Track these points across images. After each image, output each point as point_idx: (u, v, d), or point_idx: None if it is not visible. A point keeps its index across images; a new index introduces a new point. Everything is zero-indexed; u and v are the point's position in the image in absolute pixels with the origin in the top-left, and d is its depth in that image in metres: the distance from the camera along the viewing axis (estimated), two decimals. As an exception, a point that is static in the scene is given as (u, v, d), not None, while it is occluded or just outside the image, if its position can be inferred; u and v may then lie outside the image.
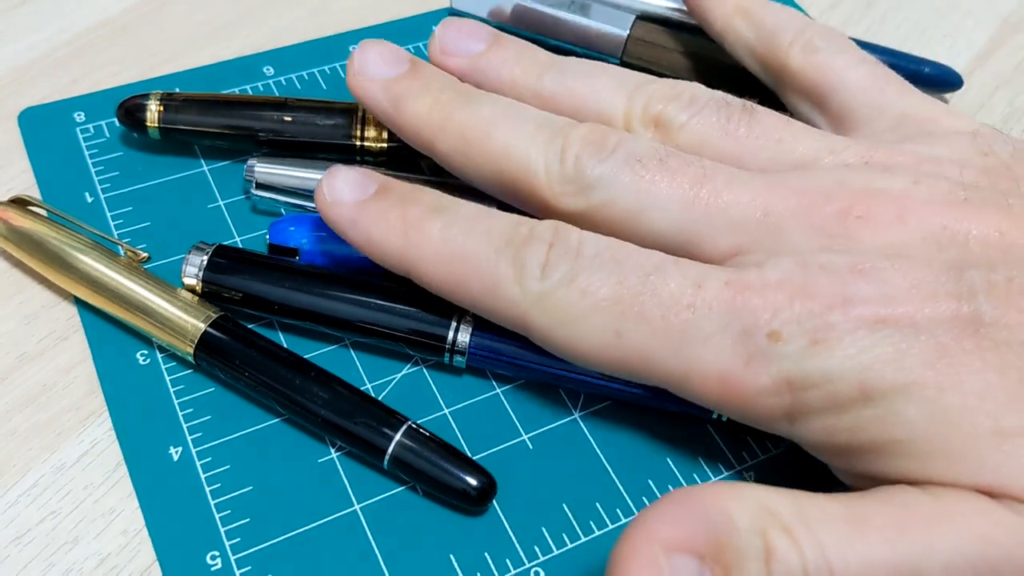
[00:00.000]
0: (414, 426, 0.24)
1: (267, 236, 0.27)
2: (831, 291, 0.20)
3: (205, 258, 0.26)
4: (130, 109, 0.29)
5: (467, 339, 0.25)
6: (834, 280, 0.20)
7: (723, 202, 0.22)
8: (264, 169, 0.28)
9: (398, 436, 0.23)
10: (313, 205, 0.28)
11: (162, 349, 0.26)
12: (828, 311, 0.20)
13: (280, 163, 0.29)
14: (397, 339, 0.25)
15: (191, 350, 0.25)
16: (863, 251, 0.21)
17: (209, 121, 0.29)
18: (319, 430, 0.24)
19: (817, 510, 0.18)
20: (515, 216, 0.23)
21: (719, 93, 0.26)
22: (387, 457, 0.23)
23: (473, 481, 0.23)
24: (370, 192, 0.24)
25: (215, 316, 0.25)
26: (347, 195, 0.24)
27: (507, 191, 0.25)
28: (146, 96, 0.29)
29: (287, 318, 0.26)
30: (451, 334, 0.25)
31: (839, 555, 0.17)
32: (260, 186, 0.28)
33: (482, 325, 0.25)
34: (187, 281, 0.26)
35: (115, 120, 0.30)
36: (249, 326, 0.26)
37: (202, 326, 0.25)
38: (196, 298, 0.26)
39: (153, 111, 0.29)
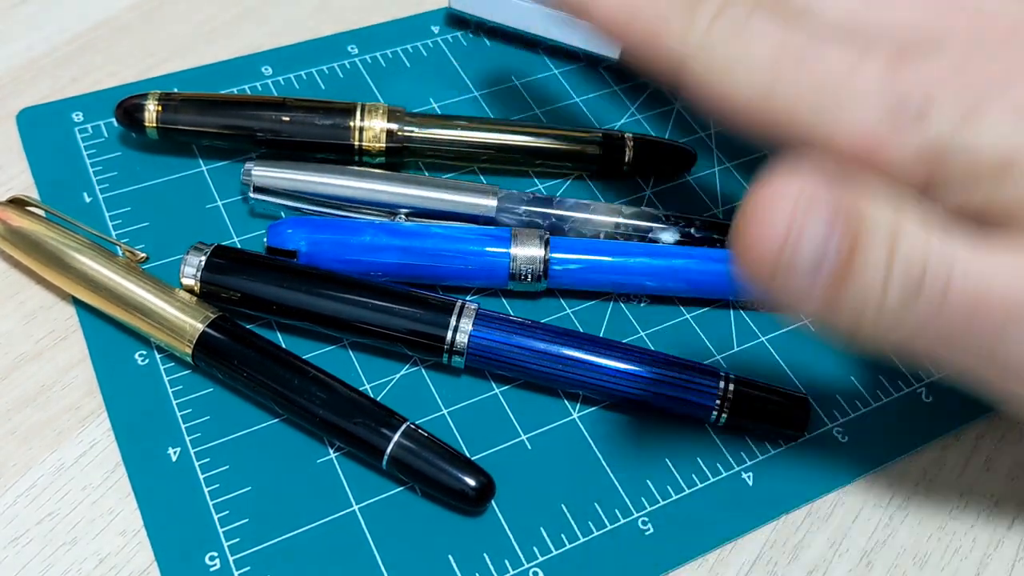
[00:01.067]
0: (413, 426, 0.24)
1: (265, 238, 0.27)
2: (988, 75, 0.20)
3: (203, 258, 0.26)
4: (128, 109, 0.29)
5: (465, 340, 0.25)
6: (992, 67, 0.20)
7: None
8: (261, 172, 0.28)
9: (396, 436, 0.23)
10: (310, 207, 0.28)
11: (160, 349, 0.26)
12: (984, 90, 0.20)
13: (277, 166, 0.29)
14: (395, 340, 0.25)
15: (189, 350, 0.25)
16: None
17: (207, 121, 0.29)
18: (318, 430, 0.24)
19: (952, 233, 0.19)
20: None
21: None
22: (386, 457, 0.23)
23: (471, 481, 0.23)
24: None
25: (213, 316, 0.25)
26: None
27: None
28: (144, 96, 0.29)
29: (285, 318, 0.26)
30: (449, 335, 0.25)
31: (963, 266, 0.18)
32: (257, 189, 0.28)
33: (480, 325, 0.25)
34: (185, 281, 0.26)
35: (114, 120, 0.30)
36: (247, 327, 0.26)
37: (200, 326, 0.25)
38: (194, 299, 0.26)
39: (151, 111, 0.29)
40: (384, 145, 0.30)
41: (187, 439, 0.24)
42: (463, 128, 0.30)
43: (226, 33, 0.35)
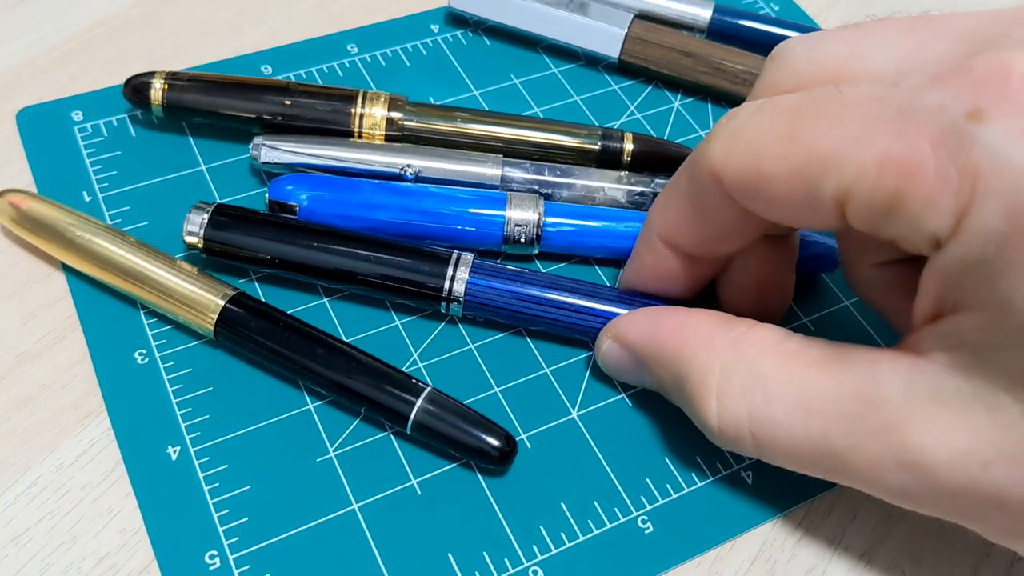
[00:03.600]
0: (435, 391, 0.24)
1: (267, 193, 0.28)
2: None
3: (206, 216, 0.26)
4: (136, 87, 0.30)
5: (462, 288, 0.26)
6: None
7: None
8: (269, 144, 0.29)
9: (420, 401, 0.24)
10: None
11: (160, 348, 0.26)
12: None
13: (284, 138, 0.29)
14: (394, 290, 0.26)
15: (211, 327, 0.25)
16: None
17: (211, 102, 0.30)
18: (343, 398, 0.25)
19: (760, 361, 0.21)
20: None
21: None
22: (410, 422, 0.24)
23: (495, 441, 0.24)
24: None
25: (233, 293, 0.26)
26: None
27: None
28: (152, 74, 0.30)
29: (287, 272, 0.27)
30: (447, 284, 0.26)
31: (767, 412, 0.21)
32: (267, 163, 0.29)
33: (477, 274, 0.26)
34: (189, 240, 0.26)
35: (113, 119, 0.30)
36: (257, 288, 0.26)
37: (221, 302, 0.25)
38: (208, 276, 0.26)
39: (158, 89, 0.29)
40: (384, 133, 0.30)
41: (187, 438, 0.24)
42: (463, 120, 0.30)
43: (226, 32, 0.35)
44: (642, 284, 0.26)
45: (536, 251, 0.28)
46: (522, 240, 0.28)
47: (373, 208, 0.27)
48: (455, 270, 0.26)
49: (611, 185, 0.29)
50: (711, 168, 0.21)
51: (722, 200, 0.22)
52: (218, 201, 0.27)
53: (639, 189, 0.29)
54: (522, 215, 0.28)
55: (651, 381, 0.25)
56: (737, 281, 0.26)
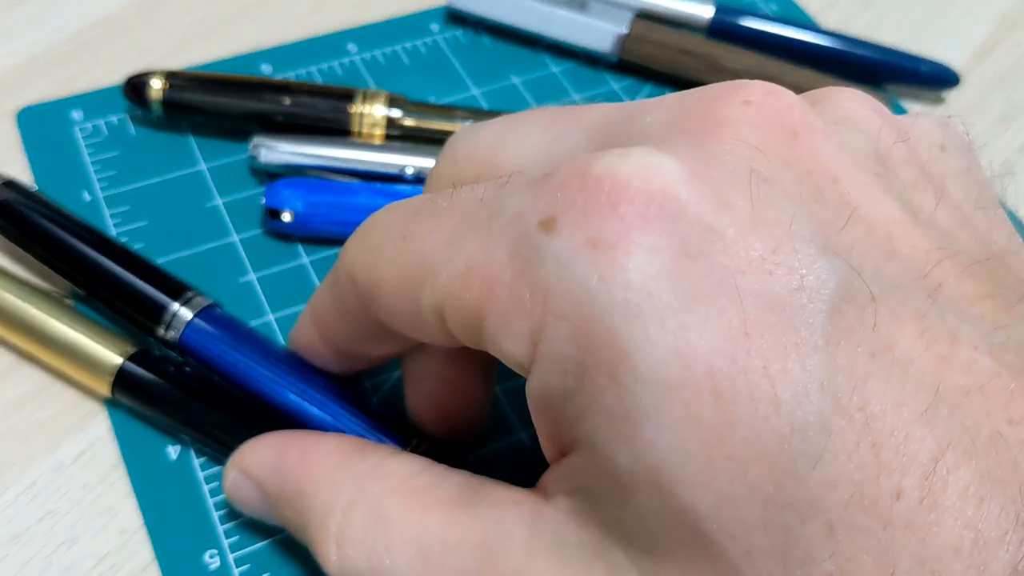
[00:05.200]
0: None
1: (263, 199, 0.28)
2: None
3: None
4: (136, 85, 0.30)
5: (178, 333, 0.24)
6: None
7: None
8: (268, 147, 0.29)
9: None
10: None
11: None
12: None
13: (282, 138, 0.29)
14: (115, 307, 0.25)
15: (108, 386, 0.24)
16: None
17: (210, 101, 0.30)
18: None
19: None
20: None
21: None
22: None
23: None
24: None
25: (133, 351, 0.24)
26: None
27: None
28: (151, 73, 0.30)
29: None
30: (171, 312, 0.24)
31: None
32: (266, 163, 0.29)
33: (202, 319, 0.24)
34: None
35: (113, 119, 0.30)
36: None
37: (119, 360, 0.24)
38: (111, 335, 0.25)
39: (157, 87, 0.29)
40: (383, 132, 0.30)
41: (188, 440, 0.25)
42: (463, 119, 0.30)
43: (225, 31, 0.35)
44: (304, 354, 0.24)
45: None
46: None
47: (369, 213, 0.27)
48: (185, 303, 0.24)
49: None
50: (346, 267, 0.20)
51: (358, 302, 0.20)
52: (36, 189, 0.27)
53: None
54: None
55: (280, 522, 0.21)
56: (416, 384, 0.23)
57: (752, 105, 0.17)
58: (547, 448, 0.17)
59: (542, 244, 0.15)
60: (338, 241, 0.29)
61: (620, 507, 0.15)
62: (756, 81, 0.17)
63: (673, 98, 0.18)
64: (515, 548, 0.17)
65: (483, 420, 0.24)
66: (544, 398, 0.16)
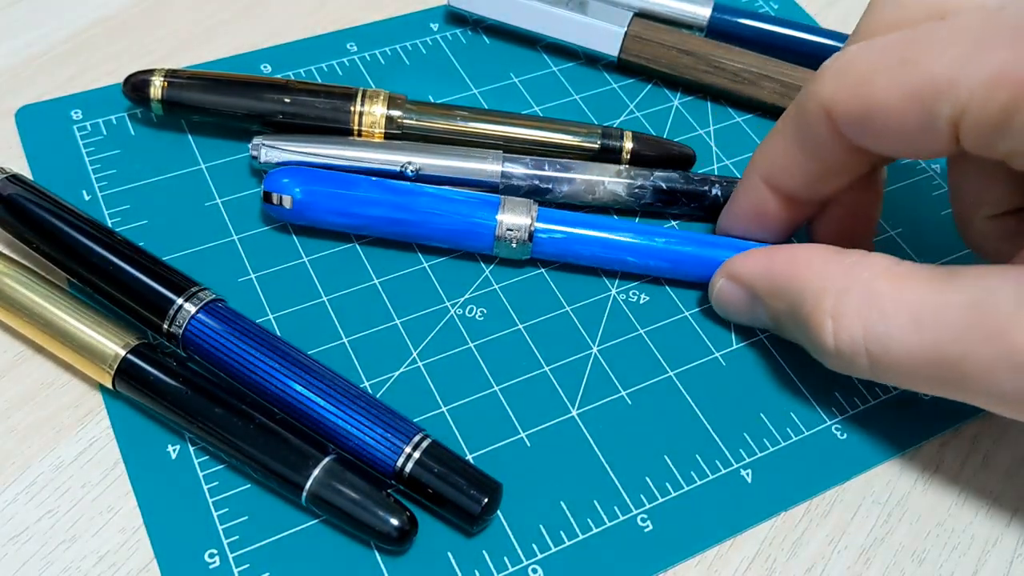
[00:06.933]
0: (333, 462, 0.23)
1: (261, 185, 0.28)
2: None
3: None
4: (136, 84, 0.30)
5: (182, 327, 0.24)
6: None
7: None
8: (269, 143, 0.29)
9: (317, 472, 0.22)
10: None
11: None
12: None
13: (283, 138, 0.29)
14: (117, 302, 0.25)
15: (110, 377, 0.24)
16: None
17: (210, 100, 0.30)
18: (235, 462, 0.24)
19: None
20: None
21: None
22: (304, 494, 0.23)
23: (395, 521, 0.22)
24: None
25: (135, 343, 0.24)
26: None
27: None
28: (151, 72, 0.30)
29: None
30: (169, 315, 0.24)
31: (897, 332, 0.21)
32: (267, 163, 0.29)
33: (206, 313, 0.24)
34: None
35: (112, 118, 0.30)
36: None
37: (122, 352, 0.24)
38: (112, 325, 0.25)
39: (157, 86, 0.29)
40: (383, 131, 0.30)
41: (186, 436, 0.24)
42: (463, 119, 0.30)
43: (225, 31, 0.35)
44: (740, 227, 0.28)
45: (528, 255, 0.28)
46: (513, 244, 0.28)
47: (367, 204, 0.27)
48: (184, 303, 0.24)
49: (611, 179, 0.29)
50: (820, 103, 0.23)
51: (831, 136, 0.23)
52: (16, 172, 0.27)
53: (639, 183, 0.29)
54: (514, 219, 0.27)
55: (765, 316, 0.26)
56: (831, 218, 0.27)
57: None
58: None
59: None
60: (333, 233, 0.29)
61: None
62: None
63: None
64: (1003, 303, 0.20)
65: (875, 232, 0.29)
66: None
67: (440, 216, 0.27)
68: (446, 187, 0.29)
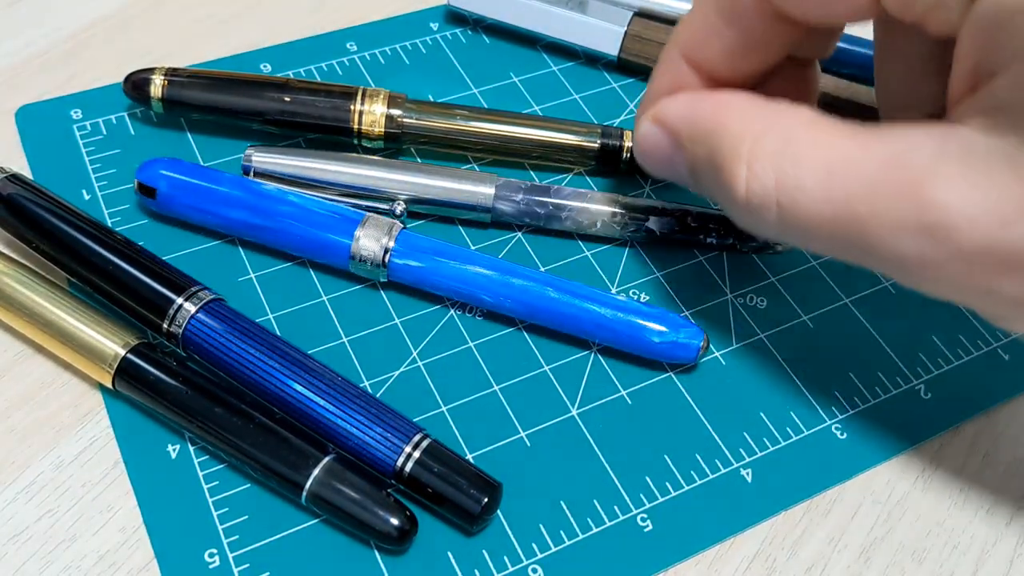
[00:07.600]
0: (334, 462, 0.23)
1: (135, 174, 0.28)
2: None
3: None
4: (136, 82, 0.30)
5: (182, 326, 0.24)
6: None
7: None
8: (261, 157, 0.29)
9: (316, 471, 0.22)
10: (313, 195, 0.28)
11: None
12: None
13: (277, 151, 0.29)
14: (119, 303, 0.25)
15: (110, 375, 0.24)
16: None
17: (211, 98, 0.30)
18: (235, 461, 0.24)
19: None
20: None
21: None
22: (305, 493, 0.23)
23: (395, 520, 0.22)
24: None
25: (135, 343, 0.24)
26: None
27: None
28: (152, 70, 0.30)
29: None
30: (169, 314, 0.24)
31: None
32: (258, 174, 0.29)
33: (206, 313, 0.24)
34: None
35: (112, 118, 0.30)
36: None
37: (121, 351, 0.24)
38: (112, 325, 0.25)
39: (158, 84, 0.29)
40: (383, 130, 0.30)
41: (186, 435, 0.24)
42: (463, 118, 0.30)
43: (224, 30, 0.35)
44: (665, 98, 0.26)
45: (383, 278, 0.27)
46: (368, 265, 0.27)
47: (227, 204, 0.27)
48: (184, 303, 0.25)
49: (606, 217, 0.29)
50: None
51: (753, 1, 0.23)
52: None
53: (632, 228, 0.29)
54: (370, 242, 0.26)
55: (684, 167, 0.24)
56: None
57: None
58: (958, 89, 0.20)
59: None
60: (202, 228, 0.28)
61: None
62: None
63: None
64: (921, 156, 0.19)
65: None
66: (992, 19, 0.18)
67: (298, 226, 0.27)
68: (314, 195, 0.28)
